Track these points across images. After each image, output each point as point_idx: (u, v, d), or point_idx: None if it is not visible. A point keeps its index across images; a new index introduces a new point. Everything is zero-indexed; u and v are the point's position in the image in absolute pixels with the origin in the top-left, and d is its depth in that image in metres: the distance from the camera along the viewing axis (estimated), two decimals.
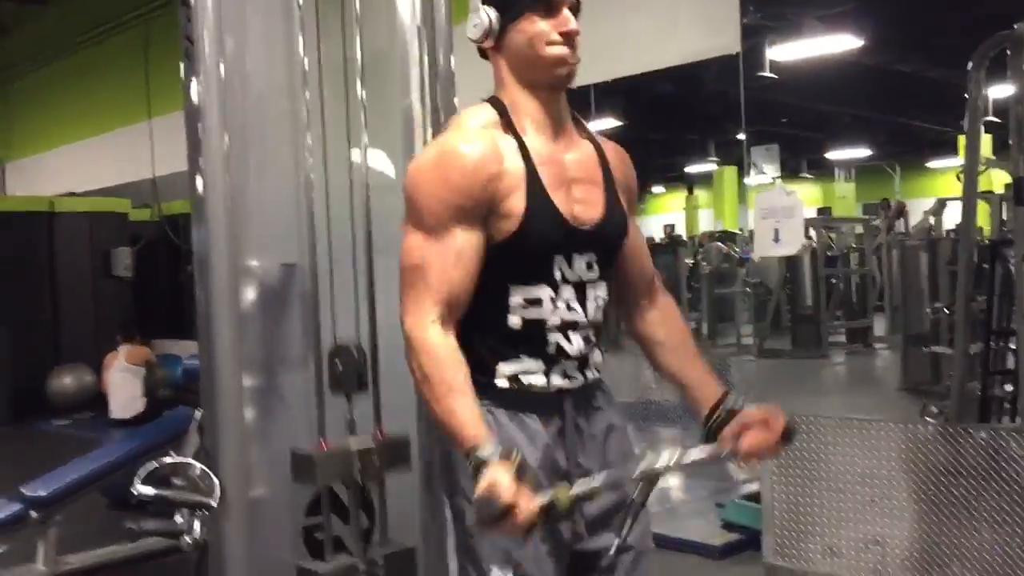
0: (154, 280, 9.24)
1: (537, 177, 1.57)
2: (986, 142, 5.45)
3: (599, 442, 1.66)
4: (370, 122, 2.10)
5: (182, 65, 1.96)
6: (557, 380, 1.61)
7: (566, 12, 1.58)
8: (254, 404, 2.03)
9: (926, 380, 6.81)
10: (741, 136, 11.00)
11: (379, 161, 2.19)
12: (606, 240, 1.66)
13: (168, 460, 1.99)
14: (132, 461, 3.35)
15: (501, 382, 1.60)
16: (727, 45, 3.86)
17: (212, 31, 1.92)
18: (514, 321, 1.59)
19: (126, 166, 8.89)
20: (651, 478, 1.52)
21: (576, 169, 1.64)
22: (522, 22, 1.58)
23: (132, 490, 1.91)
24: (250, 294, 2.06)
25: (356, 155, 2.10)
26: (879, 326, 10.53)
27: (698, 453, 1.57)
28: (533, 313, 1.59)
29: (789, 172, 17.09)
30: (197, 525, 2.03)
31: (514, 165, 1.57)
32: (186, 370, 5.36)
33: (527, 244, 1.57)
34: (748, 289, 10.85)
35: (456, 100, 2.16)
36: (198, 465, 1.92)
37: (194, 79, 1.94)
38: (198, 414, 2.07)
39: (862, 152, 17.62)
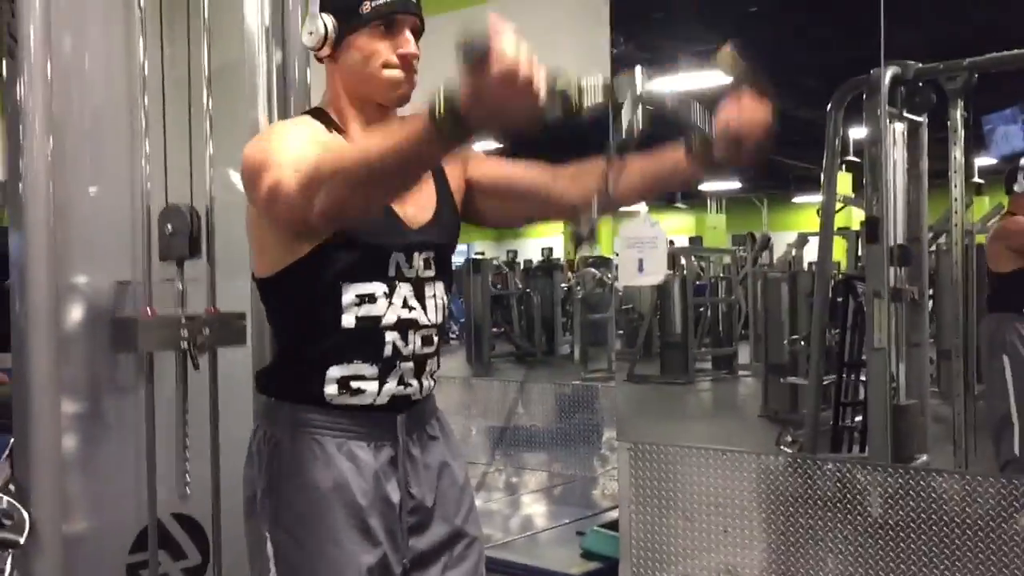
0: None
1: None
2: (846, 180, 5.68)
3: (432, 473, 1.60)
4: (216, 133, 2.00)
5: (4, 64, 1.81)
6: (391, 386, 1.53)
7: (407, 34, 1.52)
8: (75, 432, 1.88)
9: (785, 408, 7.04)
10: None
11: (224, 175, 2.08)
12: (438, 239, 1.60)
13: None
14: None
15: (330, 388, 1.50)
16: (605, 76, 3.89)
17: (40, 30, 1.78)
18: (347, 320, 1.50)
19: None
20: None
21: None
22: (360, 37, 1.51)
23: None
24: (76, 313, 1.91)
25: (199, 167, 1.99)
26: (744, 354, 10.87)
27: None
28: (366, 310, 1.51)
29: (664, 201, 17.53)
30: (8, 564, 1.86)
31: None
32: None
33: (359, 242, 1.48)
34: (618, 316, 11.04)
35: None
36: (4, 498, 1.76)
37: (17, 80, 1.79)
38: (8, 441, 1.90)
39: (733, 185, 18.25)
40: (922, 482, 2.93)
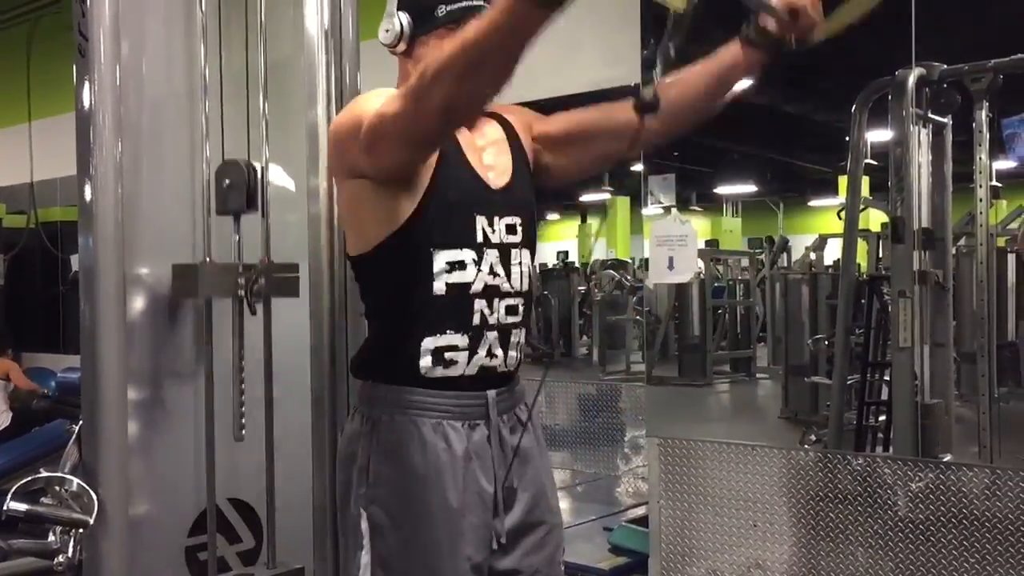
0: (27, 290, 8.80)
1: (452, 139, 1.56)
2: (864, 183, 5.72)
3: (521, 458, 1.65)
4: (272, 134, 2.07)
5: (75, 65, 1.88)
6: (480, 356, 1.59)
7: None
8: (138, 418, 1.95)
9: (805, 409, 7.06)
10: (636, 167, 11.24)
11: (280, 174, 2.15)
12: (520, 203, 1.65)
13: (42, 475, 1.89)
14: (2, 476, 3.16)
15: (425, 361, 1.56)
16: (628, 76, 3.95)
17: (109, 29, 1.85)
18: (438, 287, 1.56)
19: (2, 169, 8.48)
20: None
21: (482, 139, 1.65)
22: (433, 37, 1.59)
23: (2, 507, 1.80)
24: (139, 303, 1.98)
25: (256, 167, 2.05)
26: (762, 356, 10.88)
27: None
28: (457, 277, 1.57)
29: (681, 204, 17.52)
30: (72, 544, 1.93)
31: None
32: (61, 383, 5.13)
33: (446, 201, 1.55)
34: (638, 317, 11.06)
35: None
36: (75, 480, 1.83)
37: (87, 79, 1.86)
38: (76, 428, 1.97)
39: (749, 188, 18.24)
40: (952, 476, 2.97)
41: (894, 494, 3.10)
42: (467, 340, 1.58)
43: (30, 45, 7.23)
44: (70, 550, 1.88)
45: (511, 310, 1.62)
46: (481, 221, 1.59)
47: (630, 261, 16.13)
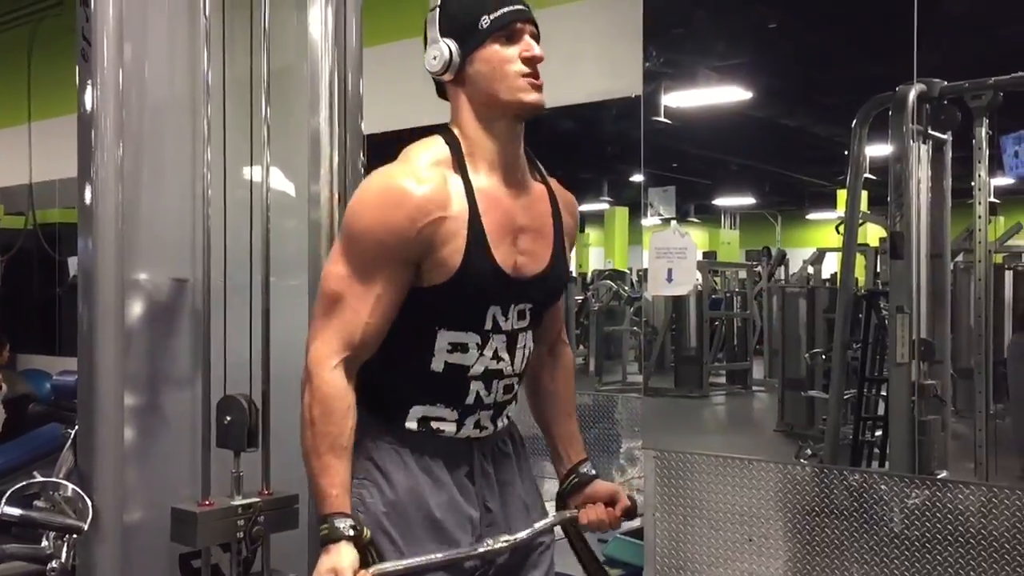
0: (24, 292, 8.78)
1: (480, 225, 1.52)
2: (863, 197, 5.74)
3: (505, 488, 1.66)
4: (274, 140, 2.06)
5: (77, 68, 1.88)
6: (467, 429, 1.60)
7: (528, 39, 1.55)
8: (134, 423, 1.94)
9: (801, 423, 7.06)
10: (635, 178, 11.25)
11: (281, 180, 2.14)
12: (546, 292, 1.64)
13: (37, 479, 1.88)
14: None
15: (411, 424, 1.57)
16: (629, 87, 3.96)
17: (112, 34, 1.85)
18: (436, 364, 1.55)
19: (1, 170, 8.47)
20: (495, 553, 1.57)
21: (525, 217, 1.59)
22: (483, 51, 1.53)
23: None
24: (137, 308, 1.97)
25: (257, 173, 2.05)
26: (758, 369, 10.87)
27: (543, 522, 1.67)
28: (457, 358, 1.56)
29: (679, 215, 17.56)
30: (65, 550, 1.92)
31: (458, 209, 1.51)
32: (56, 386, 5.11)
33: (461, 293, 1.52)
34: (635, 328, 11.06)
35: (362, 124, 2.14)
36: (69, 486, 1.82)
37: (89, 83, 1.86)
38: (72, 432, 1.96)
39: (747, 200, 18.27)
40: (948, 494, 2.96)
41: (890, 510, 3.09)
42: (456, 415, 1.59)
43: (31, 46, 7.23)
44: (63, 556, 1.87)
45: (508, 389, 1.63)
46: (494, 311, 1.57)
47: (628, 272, 16.15)
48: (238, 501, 1.91)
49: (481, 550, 1.55)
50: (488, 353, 1.58)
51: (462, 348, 1.56)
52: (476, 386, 1.58)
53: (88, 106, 1.86)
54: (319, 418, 1.48)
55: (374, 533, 1.52)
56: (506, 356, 1.60)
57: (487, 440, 1.64)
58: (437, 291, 1.52)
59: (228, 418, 1.91)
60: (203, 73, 1.98)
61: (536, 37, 1.57)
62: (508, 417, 1.68)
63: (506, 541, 1.58)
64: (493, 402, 1.60)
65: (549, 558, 1.72)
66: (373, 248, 1.49)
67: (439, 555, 1.52)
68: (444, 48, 1.54)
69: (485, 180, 1.55)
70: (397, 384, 1.58)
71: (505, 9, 1.54)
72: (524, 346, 1.63)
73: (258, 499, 1.94)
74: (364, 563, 1.43)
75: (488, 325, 1.57)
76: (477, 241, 1.51)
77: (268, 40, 2.04)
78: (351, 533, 1.42)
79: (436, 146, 1.56)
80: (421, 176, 1.50)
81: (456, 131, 1.58)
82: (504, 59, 1.53)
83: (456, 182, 1.53)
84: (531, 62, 1.54)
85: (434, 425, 1.58)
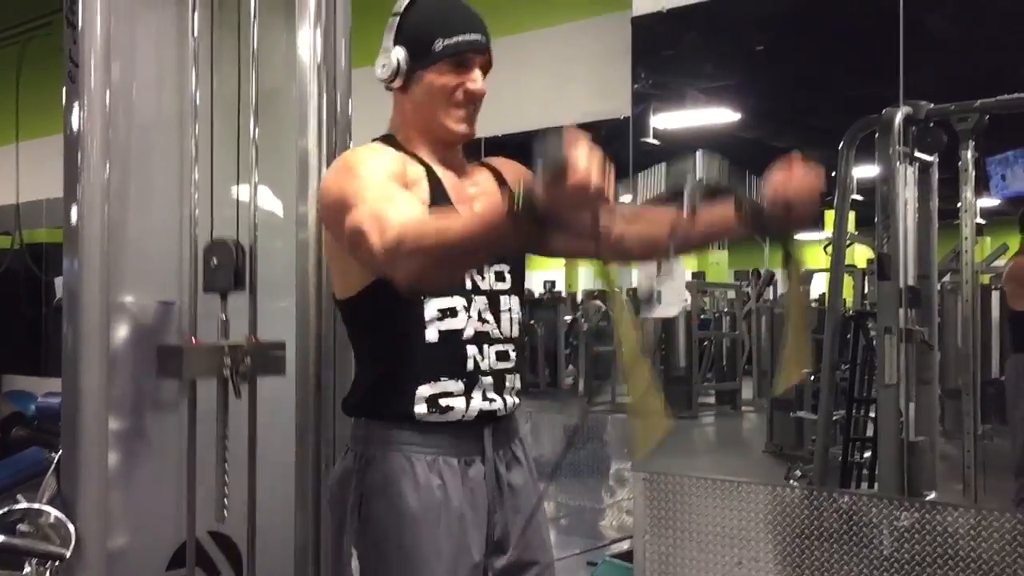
0: (10, 312, 8.72)
1: (441, 184, 1.57)
2: (850, 218, 5.77)
3: (515, 495, 1.64)
4: (262, 160, 2.05)
5: (64, 89, 1.87)
6: (477, 402, 1.58)
7: (475, 72, 1.58)
8: (119, 448, 1.92)
9: (790, 443, 7.05)
10: (624, 199, 11.31)
11: (269, 201, 2.13)
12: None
13: (20, 505, 1.85)
14: None
15: (420, 408, 1.55)
16: (618, 109, 3.97)
17: (99, 55, 1.85)
18: (431, 335, 1.55)
19: None
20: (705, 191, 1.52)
21: (474, 186, 1.65)
22: (431, 72, 1.57)
23: None
24: (122, 331, 1.96)
25: (245, 193, 2.04)
26: (747, 389, 10.87)
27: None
28: (448, 324, 1.56)
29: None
30: None
31: (417, 174, 1.56)
32: (40, 407, 5.06)
33: None
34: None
35: (351, 144, 2.14)
36: (52, 511, 1.79)
37: (76, 104, 1.85)
38: (55, 457, 1.94)
39: None
40: (938, 516, 2.96)
41: (879, 532, 3.09)
42: (462, 385, 1.57)
43: (19, 66, 7.22)
44: None
45: (501, 356, 1.62)
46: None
47: (617, 291, 16.15)
48: (225, 342, 1.92)
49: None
50: (474, 315, 1.58)
51: (451, 313, 1.56)
52: (471, 350, 1.57)
53: (75, 126, 1.86)
54: (414, 232, 1.32)
55: (383, 545, 1.52)
56: (490, 318, 1.60)
57: (500, 429, 1.62)
58: None
59: (215, 260, 1.91)
60: (191, 93, 1.98)
61: (486, 69, 1.61)
62: (517, 397, 1.65)
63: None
64: (489, 368, 1.59)
65: None
66: (381, 169, 1.50)
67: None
68: (394, 58, 1.59)
69: (430, 164, 1.61)
70: (397, 371, 1.56)
71: (460, 38, 1.57)
72: (509, 308, 1.63)
73: (244, 342, 1.94)
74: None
75: (468, 285, 1.58)
76: (440, 196, 1.56)
77: (256, 60, 2.04)
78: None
79: (378, 149, 1.60)
80: (374, 147, 1.58)
81: (397, 133, 1.64)
82: (443, 86, 1.58)
83: (407, 158, 1.58)
84: (470, 95, 1.59)
85: (443, 403, 1.55)
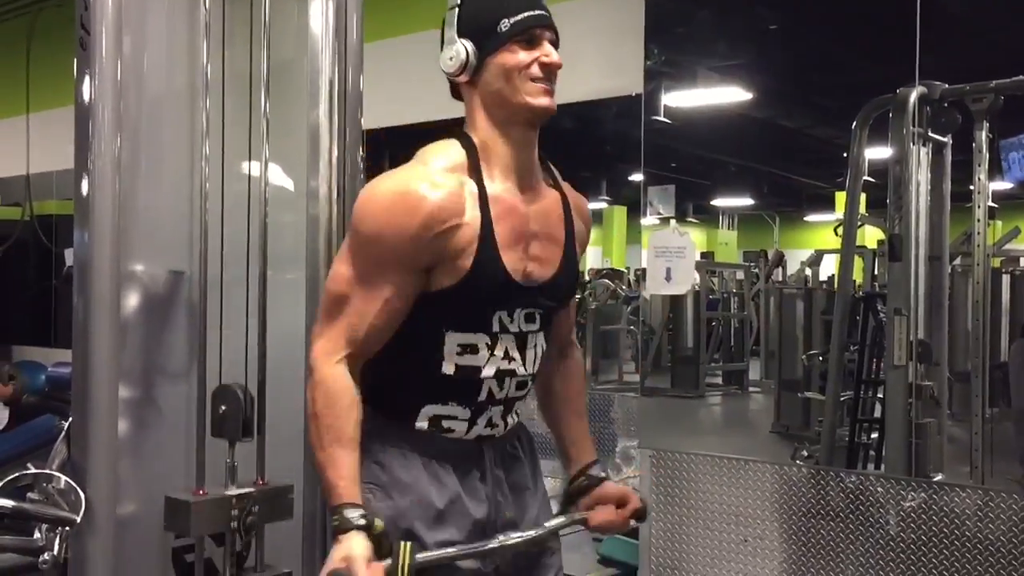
0: (20, 283, 8.76)
1: (492, 233, 1.50)
2: (862, 199, 5.75)
3: (516, 491, 1.65)
4: (273, 134, 2.05)
5: (76, 58, 1.87)
6: (479, 428, 1.58)
7: (546, 45, 1.53)
8: (128, 416, 1.93)
9: (797, 424, 7.06)
10: (634, 177, 11.27)
11: (279, 174, 2.13)
12: (555, 297, 1.62)
13: (30, 471, 1.87)
14: None
15: (421, 423, 1.55)
16: (630, 86, 3.95)
17: (111, 26, 1.85)
18: (448, 368, 1.54)
19: None
20: (507, 550, 1.56)
21: (538, 222, 1.58)
22: (501, 54, 1.51)
23: None
24: (133, 300, 1.96)
25: (256, 167, 2.04)
26: (754, 370, 10.87)
27: (554, 522, 1.66)
28: (468, 360, 1.54)
29: (678, 215, 17.59)
30: (58, 542, 1.91)
31: (472, 216, 1.49)
32: (51, 378, 5.09)
33: (466, 298, 1.51)
34: (632, 328, 11.06)
35: (362, 119, 2.13)
36: (63, 478, 1.81)
37: (87, 73, 1.85)
38: (66, 424, 1.95)
39: (745, 201, 18.28)
40: (944, 497, 2.96)
41: (885, 512, 3.09)
42: (469, 412, 1.57)
43: (31, 37, 7.21)
44: (56, 548, 1.86)
45: (521, 385, 1.62)
46: (499, 314, 1.56)
47: (625, 271, 16.16)
48: (232, 491, 1.91)
49: (493, 545, 1.55)
50: (499, 353, 1.56)
51: (472, 349, 1.54)
52: (489, 384, 1.57)
53: (86, 96, 1.85)
54: (323, 411, 1.47)
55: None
56: (517, 356, 1.58)
57: (497, 442, 1.63)
58: (444, 294, 1.50)
59: (223, 407, 1.90)
60: (202, 66, 1.97)
61: (555, 43, 1.56)
62: (517, 415, 1.67)
63: (519, 537, 1.57)
64: (504, 397, 1.59)
65: (558, 562, 1.71)
66: (383, 252, 1.47)
67: (451, 549, 1.51)
68: (461, 49, 1.52)
69: (499, 186, 1.54)
70: (409, 387, 1.57)
71: (526, 13, 1.52)
72: (536, 345, 1.62)
73: (253, 489, 1.94)
74: (378, 554, 1.40)
75: (495, 328, 1.56)
76: (488, 249, 1.50)
77: (268, 34, 2.03)
78: (362, 523, 1.40)
79: (452, 150, 1.54)
80: (436, 181, 1.48)
81: (472, 135, 1.56)
82: (520, 64, 1.52)
83: (471, 188, 1.51)
84: (547, 68, 1.52)
85: (445, 424, 1.56)
